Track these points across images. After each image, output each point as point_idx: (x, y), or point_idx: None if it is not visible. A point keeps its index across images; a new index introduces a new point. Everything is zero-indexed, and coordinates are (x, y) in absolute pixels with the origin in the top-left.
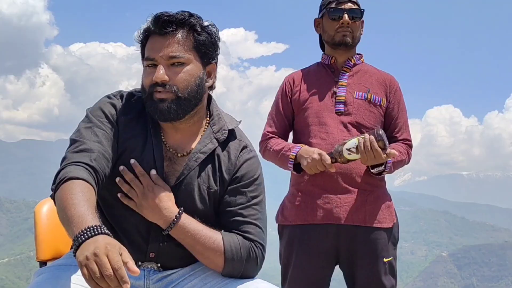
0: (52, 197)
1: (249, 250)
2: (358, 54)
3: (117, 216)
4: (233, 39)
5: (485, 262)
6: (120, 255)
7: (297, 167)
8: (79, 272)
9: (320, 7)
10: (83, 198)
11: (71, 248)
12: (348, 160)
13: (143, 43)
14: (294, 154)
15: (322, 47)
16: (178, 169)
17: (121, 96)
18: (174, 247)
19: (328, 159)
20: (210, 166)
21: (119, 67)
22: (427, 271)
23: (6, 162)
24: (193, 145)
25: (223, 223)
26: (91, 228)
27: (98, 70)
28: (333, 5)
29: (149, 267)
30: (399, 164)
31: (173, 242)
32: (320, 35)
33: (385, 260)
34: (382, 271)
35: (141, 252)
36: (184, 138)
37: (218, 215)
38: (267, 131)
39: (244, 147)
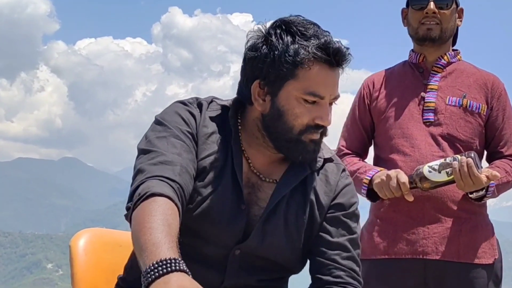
0: (128, 217)
1: None
2: (454, 50)
3: (187, 245)
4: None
5: None
6: None
7: (372, 194)
8: None
9: None
10: (163, 221)
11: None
12: (430, 186)
13: (293, 64)
14: (369, 178)
15: None
16: (263, 197)
17: (199, 105)
18: (253, 283)
19: (404, 178)
20: (301, 194)
21: (135, 68)
22: None
23: None
24: (282, 172)
25: (321, 255)
26: (166, 263)
27: (109, 72)
28: None
29: None
30: (505, 186)
31: (252, 278)
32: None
33: None
34: None
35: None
36: (272, 164)
37: (312, 247)
38: (342, 146)
39: (343, 170)
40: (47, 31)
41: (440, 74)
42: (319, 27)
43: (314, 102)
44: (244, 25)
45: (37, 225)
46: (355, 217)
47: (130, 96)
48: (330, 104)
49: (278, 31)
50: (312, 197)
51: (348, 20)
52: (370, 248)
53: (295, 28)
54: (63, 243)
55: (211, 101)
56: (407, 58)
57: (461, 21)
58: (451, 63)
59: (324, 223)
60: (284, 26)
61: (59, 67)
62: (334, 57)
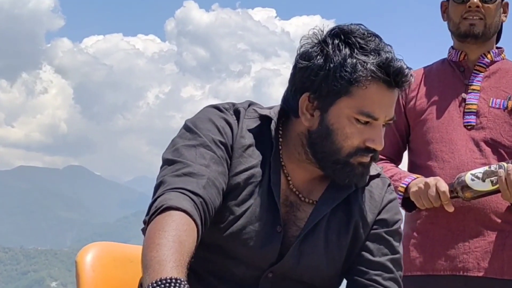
0: (144, 231)
1: None
2: (498, 48)
3: (216, 264)
4: (305, 30)
5: None
6: None
7: (407, 204)
8: None
9: None
10: (174, 238)
11: None
12: (472, 196)
13: (349, 81)
14: (404, 186)
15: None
16: (301, 216)
17: (236, 112)
18: None
19: (444, 186)
20: (343, 212)
21: (147, 67)
22: None
23: None
24: (323, 190)
25: (361, 275)
26: (166, 282)
27: (119, 72)
28: None
29: None
30: None
31: None
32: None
33: None
34: None
35: None
36: (315, 179)
37: (351, 266)
38: None
39: (389, 185)
40: (50, 27)
41: (482, 73)
42: (381, 40)
43: (367, 123)
44: (266, 21)
45: (40, 240)
46: (398, 235)
47: (141, 99)
48: (384, 125)
49: (336, 41)
50: (357, 215)
51: (380, 11)
52: (405, 264)
53: (354, 40)
54: (69, 259)
55: (248, 106)
56: (446, 56)
57: (506, 16)
58: (495, 62)
59: (368, 241)
60: (343, 35)
61: (64, 67)
62: (394, 78)
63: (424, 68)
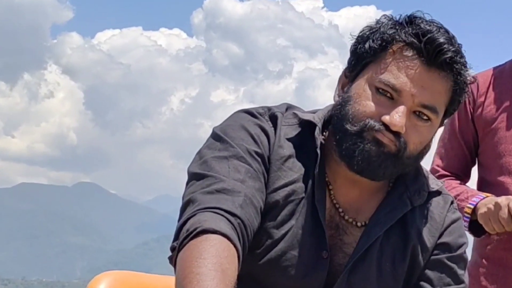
0: (173, 260)
1: None
2: None
3: None
4: (357, 22)
5: None
6: None
7: (475, 227)
8: None
9: None
10: (216, 266)
11: None
12: None
13: (380, 43)
14: (472, 207)
15: None
16: (349, 241)
17: (272, 117)
18: None
19: None
20: (399, 235)
21: (171, 67)
22: None
23: None
24: (373, 210)
25: None
26: None
27: (138, 73)
28: None
29: None
30: None
31: None
32: None
33: None
34: None
35: None
36: (364, 197)
37: None
38: (437, 166)
39: (451, 203)
40: (57, 20)
41: None
42: (448, 33)
43: (391, 98)
44: (311, 13)
45: (45, 270)
46: (463, 262)
47: (164, 104)
48: (415, 112)
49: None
50: (414, 238)
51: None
52: None
53: (407, 19)
54: None
55: (286, 111)
56: None
57: None
58: None
59: (427, 269)
60: (402, 18)
61: (72, 67)
62: (426, 46)
63: (494, 68)
